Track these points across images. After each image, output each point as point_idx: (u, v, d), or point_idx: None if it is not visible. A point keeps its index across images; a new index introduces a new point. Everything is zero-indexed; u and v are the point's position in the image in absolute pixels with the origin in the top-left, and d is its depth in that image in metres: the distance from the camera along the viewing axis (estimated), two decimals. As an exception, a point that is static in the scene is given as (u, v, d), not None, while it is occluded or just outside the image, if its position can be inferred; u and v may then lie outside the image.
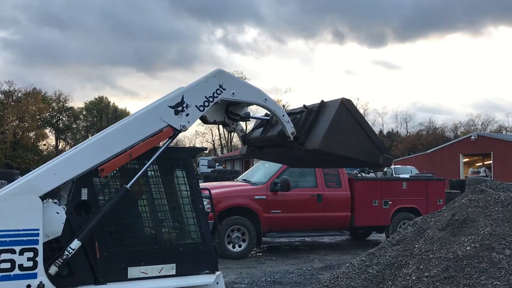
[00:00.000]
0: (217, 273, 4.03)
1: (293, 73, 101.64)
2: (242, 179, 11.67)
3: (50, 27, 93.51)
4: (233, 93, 4.10)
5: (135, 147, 3.74)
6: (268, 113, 4.59)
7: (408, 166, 34.25)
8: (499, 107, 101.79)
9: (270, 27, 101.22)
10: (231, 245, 9.89)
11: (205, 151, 71.33)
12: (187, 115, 3.91)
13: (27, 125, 55.52)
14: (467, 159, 42.23)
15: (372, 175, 13.04)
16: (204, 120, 4.45)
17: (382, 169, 35.72)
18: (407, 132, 73.06)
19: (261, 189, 10.43)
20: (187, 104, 3.91)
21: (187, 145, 79.91)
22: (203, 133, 77.68)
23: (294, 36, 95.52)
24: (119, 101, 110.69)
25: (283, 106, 74.73)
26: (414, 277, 5.39)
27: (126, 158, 3.70)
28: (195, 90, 3.99)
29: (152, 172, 4.11)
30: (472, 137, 38.78)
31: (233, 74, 4.23)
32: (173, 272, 3.85)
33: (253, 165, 23.93)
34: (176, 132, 3.89)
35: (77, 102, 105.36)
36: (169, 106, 3.86)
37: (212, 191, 10.63)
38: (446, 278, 5.16)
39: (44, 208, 3.39)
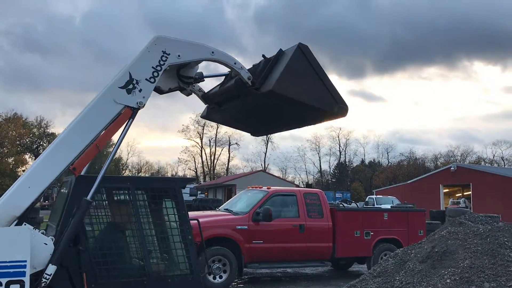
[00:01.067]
0: None
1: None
2: (224, 209, 11.61)
3: (32, 53, 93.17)
4: (178, 56, 4.03)
5: (100, 137, 3.70)
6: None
7: (389, 196, 34.51)
8: (475, 138, 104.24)
9: (252, 57, 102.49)
10: (211, 276, 9.74)
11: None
12: (140, 90, 3.85)
13: (6, 151, 54.60)
14: (447, 190, 42.80)
15: (353, 205, 13.12)
16: (159, 90, 4.36)
17: (364, 199, 35.88)
18: (389, 162, 73.90)
19: (243, 219, 10.37)
20: (136, 80, 3.85)
21: (169, 173, 79.39)
22: (186, 161, 77.44)
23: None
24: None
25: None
26: (395, 310, 5.39)
27: (94, 151, 3.66)
28: (140, 64, 3.91)
29: (141, 202, 4.08)
30: (451, 168, 39.39)
31: (172, 37, 4.10)
32: None
33: (235, 193, 23.79)
34: (135, 110, 3.85)
35: (58, 128, 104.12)
36: (120, 87, 3.80)
37: (192, 222, 10.48)
38: (426, 311, 5.17)
39: (32, 239, 3.33)
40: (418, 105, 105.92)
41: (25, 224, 3.42)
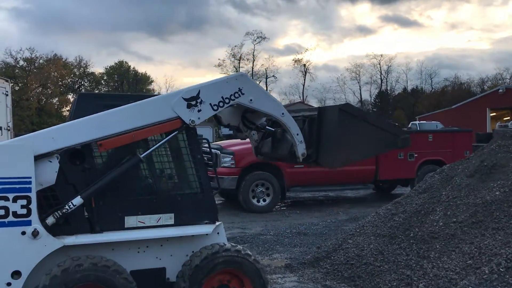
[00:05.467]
0: (217, 223, 3.99)
1: (309, 32, 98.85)
2: (265, 135, 11.63)
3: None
4: (250, 100, 3.98)
5: (140, 131, 3.66)
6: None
7: (433, 122, 33.61)
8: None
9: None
10: (255, 199, 9.98)
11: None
12: (199, 111, 3.81)
13: (50, 92, 56.21)
14: (494, 113, 41.22)
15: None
16: (219, 121, 4.42)
17: (406, 127, 35.16)
18: (432, 88, 71.40)
19: (284, 144, 10.38)
20: (201, 100, 3.81)
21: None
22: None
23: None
24: (136, 66, 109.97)
25: (304, 65, 71.97)
26: (441, 223, 5.35)
27: (128, 139, 3.63)
28: (213, 88, 3.89)
29: None
30: (500, 90, 37.69)
31: (255, 81, 4.12)
32: (172, 221, 3.81)
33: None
34: (184, 125, 3.79)
35: (98, 67, 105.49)
36: (183, 98, 3.77)
37: (235, 148, 10.58)
38: (474, 223, 5.10)
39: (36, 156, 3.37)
40: (455, 28, 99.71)
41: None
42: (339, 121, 4.13)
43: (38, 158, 3.38)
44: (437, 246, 5.06)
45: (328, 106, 4.47)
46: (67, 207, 3.45)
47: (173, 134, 3.81)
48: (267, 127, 4.52)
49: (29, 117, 49.11)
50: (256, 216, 9.46)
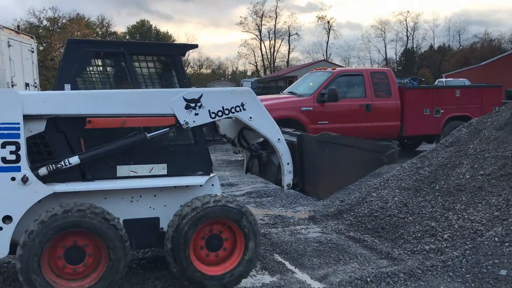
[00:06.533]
0: (212, 174, 3.97)
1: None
2: (288, 92, 11.55)
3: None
4: (250, 117, 3.94)
5: (132, 118, 3.63)
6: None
7: (460, 79, 32.71)
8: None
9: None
10: (279, 155, 10.02)
11: (247, 73, 70.64)
12: (196, 114, 3.77)
13: (74, 52, 56.47)
14: (525, 71, 39.83)
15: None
16: (216, 129, 4.42)
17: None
18: (460, 45, 69.08)
19: (308, 100, 10.30)
20: (201, 105, 3.78)
21: (230, 68, 79.36)
22: (246, 55, 76.73)
23: None
24: (157, 25, 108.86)
25: (328, 22, 70.08)
26: (468, 176, 5.29)
27: (117, 123, 3.59)
28: (216, 96, 3.86)
29: (145, 70, 4.03)
30: (532, 47, 36.21)
31: (260, 101, 4.04)
32: (165, 172, 3.81)
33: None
34: (178, 125, 3.74)
35: (119, 27, 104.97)
36: (184, 98, 3.74)
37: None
38: (502, 175, 5.02)
39: (24, 102, 3.36)
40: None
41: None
42: (319, 152, 4.12)
43: (26, 118, 3.36)
44: (463, 199, 5.01)
45: (306, 135, 4.44)
46: (62, 163, 3.46)
47: (164, 130, 3.76)
48: (260, 150, 4.57)
49: (54, 77, 49.61)
50: (280, 172, 9.51)
